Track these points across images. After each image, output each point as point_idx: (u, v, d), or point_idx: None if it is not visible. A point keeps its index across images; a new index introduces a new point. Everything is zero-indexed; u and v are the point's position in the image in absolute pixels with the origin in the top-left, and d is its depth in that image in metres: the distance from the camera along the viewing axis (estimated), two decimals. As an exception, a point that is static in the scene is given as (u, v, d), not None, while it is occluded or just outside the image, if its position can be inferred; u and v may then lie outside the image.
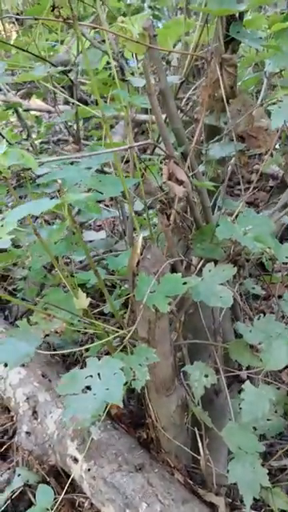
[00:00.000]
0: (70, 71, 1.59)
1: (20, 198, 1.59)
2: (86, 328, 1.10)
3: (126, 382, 0.84)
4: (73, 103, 1.51)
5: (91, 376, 0.82)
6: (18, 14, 2.02)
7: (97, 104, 0.95)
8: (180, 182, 0.94)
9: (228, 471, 0.90)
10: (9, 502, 1.25)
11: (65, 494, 1.18)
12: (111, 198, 1.71)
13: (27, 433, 1.31)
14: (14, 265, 1.76)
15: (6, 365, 0.91)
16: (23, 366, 1.46)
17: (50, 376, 1.44)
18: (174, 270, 1.05)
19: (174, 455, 1.15)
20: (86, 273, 1.29)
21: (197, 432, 1.06)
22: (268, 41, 1.27)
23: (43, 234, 1.03)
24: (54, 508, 1.14)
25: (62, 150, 2.31)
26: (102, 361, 0.84)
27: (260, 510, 1.16)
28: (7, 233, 0.72)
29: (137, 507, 1.01)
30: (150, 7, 2.44)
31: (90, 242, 1.75)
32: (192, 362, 1.03)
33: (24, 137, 2.19)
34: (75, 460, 1.18)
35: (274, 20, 1.50)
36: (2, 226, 0.74)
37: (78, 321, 1.08)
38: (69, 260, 1.55)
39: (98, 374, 0.82)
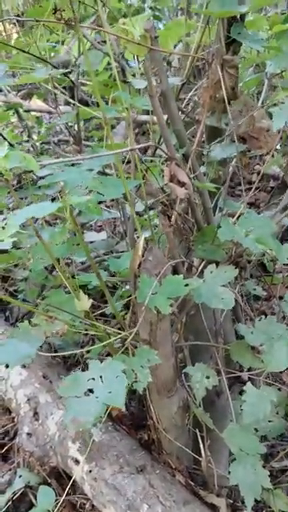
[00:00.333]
0: (70, 72, 1.59)
1: (21, 199, 1.59)
2: (87, 329, 1.10)
3: (128, 384, 0.84)
4: (73, 104, 1.51)
5: (93, 379, 0.82)
6: (18, 15, 2.02)
7: (98, 105, 0.95)
8: (181, 184, 0.94)
9: (229, 472, 0.90)
10: (10, 503, 1.25)
11: (66, 495, 1.18)
12: (112, 199, 1.71)
13: (28, 434, 1.31)
14: (15, 266, 1.76)
15: (7, 366, 0.91)
16: (24, 367, 1.46)
17: (51, 377, 1.44)
18: (175, 271, 1.05)
19: (176, 456, 1.15)
20: (87, 274, 1.29)
21: (198, 433, 1.06)
22: (269, 42, 1.27)
23: (44, 236, 1.03)
24: (55, 509, 1.14)
25: (63, 150, 2.31)
26: (104, 363, 0.84)
27: (261, 511, 1.16)
28: (9, 236, 0.72)
29: (138, 509, 1.01)
30: (150, 8, 2.43)
31: (91, 242, 1.75)
32: (193, 364, 1.03)
33: (25, 137, 2.19)
34: (76, 461, 1.18)
35: (274, 21, 1.50)
36: (4, 228, 0.74)
37: (80, 322, 1.08)
38: (70, 261, 1.55)
39: (101, 377, 0.82)
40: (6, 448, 1.43)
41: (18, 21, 1.94)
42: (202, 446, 1.05)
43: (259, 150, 1.18)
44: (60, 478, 1.28)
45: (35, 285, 1.62)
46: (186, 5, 1.59)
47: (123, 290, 1.42)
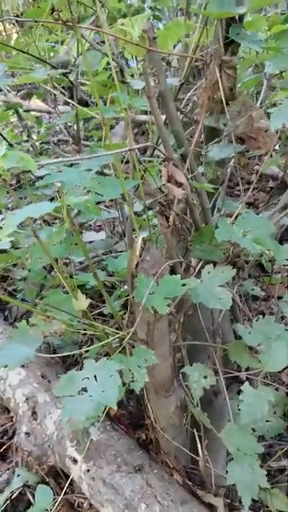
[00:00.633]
0: (70, 72, 1.59)
1: (20, 199, 1.59)
2: (85, 329, 1.10)
3: (125, 384, 0.84)
4: (73, 104, 1.51)
5: (88, 378, 0.82)
6: (18, 16, 2.02)
7: (97, 105, 0.95)
8: (179, 184, 0.94)
9: (227, 472, 0.90)
10: (8, 502, 1.25)
11: (64, 494, 1.18)
12: (111, 199, 1.72)
13: (27, 433, 1.32)
14: (14, 265, 1.76)
15: (6, 365, 0.91)
16: (23, 366, 1.46)
17: (49, 377, 1.44)
18: (173, 271, 1.05)
19: (173, 456, 1.15)
20: (85, 274, 1.29)
21: (196, 433, 1.06)
22: (268, 42, 1.27)
23: (42, 236, 1.04)
24: (53, 508, 1.15)
25: (63, 150, 2.31)
26: (99, 363, 0.84)
27: (259, 511, 1.17)
28: (7, 235, 0.73)
29: (136, 508, 1.02)
30: (150, 8, 2.44)
31: (90, 242, 1.75)
32: (191, 364, 1.03)
33: (24, 137, 2.19)
34: (74, 461, 1.18)
35: (274, 21, 1.50)
36: (2, 228, 0.75)
37: (78, 322, 1.08)
38: (68, 261, 1.55)
39: (95, 376, 0.82)
40: (4, 447, 1.43)
41: (17, 21, 1.94)
42: (199, 445, 1.05)
43: (258, 150, 1.18)
44: (58, 477, 1.28)
45: (34, 284, 1.62)
46: (185, 5, 1.59)
47: (121, 289, 1.42)
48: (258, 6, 1.37)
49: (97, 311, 1.34)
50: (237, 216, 1.02)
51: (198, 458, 1.06)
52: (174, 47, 1.80)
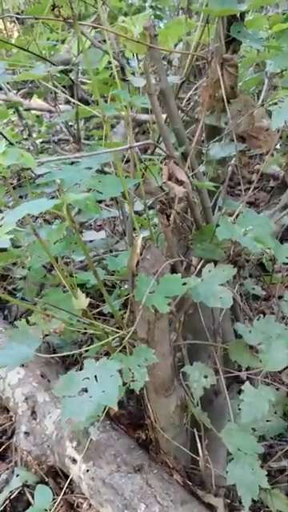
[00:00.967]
0: (70, 71, 1.59)
1: (20, 197, 1.58)
2: (85, 328, 1.10)
3: (125, 383, 0.84)
4: (73, 103, 1.50)
5: (88, 378, 0.81)
6: (18, 14, 2.02)
7: (98, 104, 0.95)
8: (180, 183, 0.94)
9: (227, 472, 0.90)
10: (7, 502, 1.25)
11: (63, 494, 1.18)
12: (112, 198, 1.71)
13: (26, 433, 1.31)
14: (14, 264, 1.76)
15: (5, 365, 0.91)
16: (22, 366, 1.45)
17: (49, 376, 1.43)
18: (173, 270, 1.05)
19: (173, 456, 1.15)
20: (85, 273, 1.29)
21: (196, 433, 1.05)
22: (269, 41, 1.27)
23: (42, 234, 1.03)
24: (53, 509, 1.14)
25: (63, 149, 2.31)
26: (100, 363, 0.84)
27: (259, 511, 1.16)
28: (6, 233, 0.72)
29: (135, 508, 1.01)
30: (151, 7, 2.43)
31: (91, 241, 1.75)
32: (191, 363, 1.03)
33: (25, 136, 2.19)
34: (74, 461, 1.18)
35: (275, 20, 1.50)
36: (1, 225, 0.74)
37: (78, 321, 1.07)
38: (69, 260, 1.54)
39: (95, 377, 0.81)
40: (3, 447, 1.43)
41: (17, 19, 1.94)
42: (199, 445, 1.04)
43: (259, 150, 1.17)
44: (57, 477, 1.28)
45: (34, 283, 1.61)
46: (186, 4, 1.58)
47: (121, 288, 1.42)
48: (260, 3, 1.36)
49: (97, 310, 1.34)
50: (237, 215, 1.02)
51: (198, 458, 1.05)
52: (175, 46, 1.79)
